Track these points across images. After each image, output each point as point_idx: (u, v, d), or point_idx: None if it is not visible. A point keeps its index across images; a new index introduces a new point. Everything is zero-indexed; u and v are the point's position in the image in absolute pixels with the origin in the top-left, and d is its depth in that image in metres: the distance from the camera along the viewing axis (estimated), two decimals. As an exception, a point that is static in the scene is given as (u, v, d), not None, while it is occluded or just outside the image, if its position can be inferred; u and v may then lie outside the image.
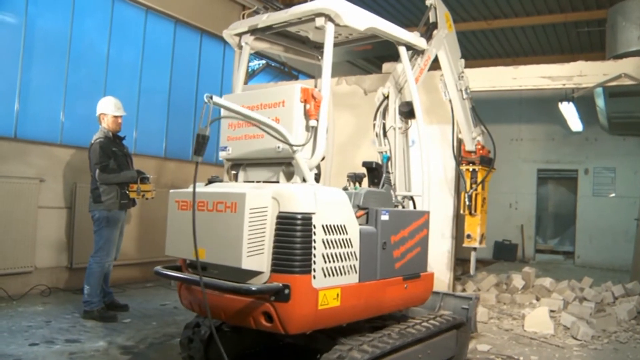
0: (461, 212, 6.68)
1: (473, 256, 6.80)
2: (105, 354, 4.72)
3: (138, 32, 8.36)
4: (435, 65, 8.47)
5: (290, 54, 4.83)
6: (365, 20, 3.88)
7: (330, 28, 3.65)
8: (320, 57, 4.85)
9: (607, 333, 6.08)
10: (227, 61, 9.96)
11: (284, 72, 11.54)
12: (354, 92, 8.67)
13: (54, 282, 7.05)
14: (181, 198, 3.66)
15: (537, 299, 7.63)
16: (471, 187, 6.49)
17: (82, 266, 6.39)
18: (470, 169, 6.55)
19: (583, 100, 11.21)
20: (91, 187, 6.01)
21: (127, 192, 5.98)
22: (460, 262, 9.14)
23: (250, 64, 10.79)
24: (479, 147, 6.55)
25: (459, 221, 8.21)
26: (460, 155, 6.64)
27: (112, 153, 6.01)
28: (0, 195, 6.44)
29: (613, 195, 13.72)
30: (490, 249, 14.19)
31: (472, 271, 7.01)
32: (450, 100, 6.30)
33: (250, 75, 10.65)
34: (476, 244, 6.57)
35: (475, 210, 6.49)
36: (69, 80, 7.36)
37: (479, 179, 6.49)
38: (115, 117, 6.13)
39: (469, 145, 6.57)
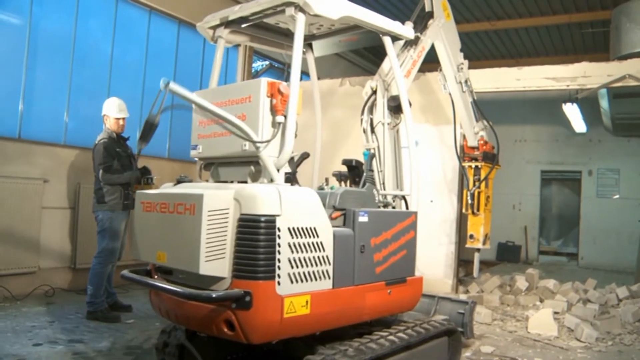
0: (464, 211, 6.23)
1: (476, 257, 6.38)
2: (109, 354, 4.53)
3: (142, 32, 8.08)
4: (435, 66, 8.12)
5: (272, 47, 4.40)
6: (338, 9, 3.43)
7: (300, 18, 3.23)
8: (306, 50, 4.44)
9: (612, 335, 5.81)
10: (230, 62, 9.63)
11: (287, 72, 11.15)
12: (357, 93, 8.32)
13: (58, 282, 6.80)
14: (146, 199, 3.28)
15: (541, 301, 7.39)
16: (474, 185, 6.03)
17: (86, 266, 6.18)
18: (473, 166, 6.09)
19: (587, 102, 10.74)
20: (95, 188, 5.81)
21: (131, 192, 5.72)
22: (463, 263, 8.78)
23: (254, 64, 10.45)
24: (482, 142, 6.09)
25: (462, 222, 7.86)
26: (462, 152, 6.19)
27: (116, 154, 5.76)
28: (4, 196, 6.21)
29: (617, 196, 13.21)
30: (494, 250, 13.82)
31: (475, 273, 6.59)
32: (450, 94, 5.87)
33: (254, 76, 10.29)
34: (479, 245, 6.12)
35: (479, 210, 6.02)
36: (73, 81, 7.13)
37: (482, 176, 6.01)
38: (117, 119, 5.89)
39: (471, 141, 6.12)
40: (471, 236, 6.10)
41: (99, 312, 5.59)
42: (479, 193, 6.01)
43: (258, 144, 2.99)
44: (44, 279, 6.58)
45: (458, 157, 6.29)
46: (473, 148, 6.10)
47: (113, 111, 5.86)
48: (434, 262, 7.58)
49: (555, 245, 14.99)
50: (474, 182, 6.05)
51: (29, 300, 6.20)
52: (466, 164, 6.13)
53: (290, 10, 3.23)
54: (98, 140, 5.76)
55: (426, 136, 7.86)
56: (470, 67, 7.40)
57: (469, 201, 5.99)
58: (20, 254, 6.33)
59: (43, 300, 6.30)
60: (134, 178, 5.75)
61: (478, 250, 6.23)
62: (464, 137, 6.24)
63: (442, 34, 5.28)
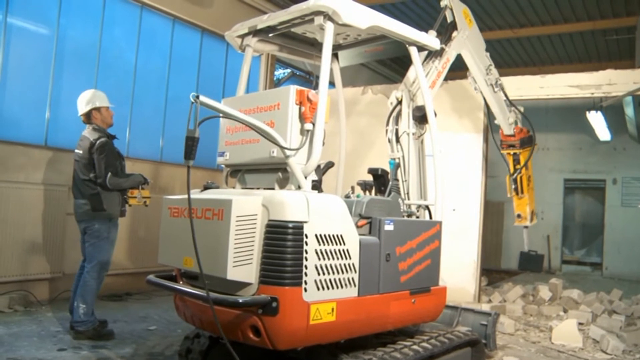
0: (508, 195, 6.65)
1: (525, 233, 6.91)
2: (133, 360, 4.56)
3: (165, 41, 8.19)
4: (464, 74, 8.13)
5: (299, 57, 4.44)
6: (367, 18, 3.45)
7: (329, 27, 3.25)
8: (332, 60, 4.47)
9: (639, 348, 5.67)
10: (252, 69, 9.66)
11: (309, 80, 11.21)
12: (379, 101, 8.36)
13: (82, 287, 6.84)
14: (173, 205, 3.32)
15: (565, 311, 7.33)
16: (515, 170, 6.43)
17: (110, 273, 5.93)
18: (512, 153, 6.44)
19: (611, 109, 10.61)
20: (89, 193, 5.07)
21: (127, 197, 5.31)
22: (485, 272, 8.70)
23: (276, 72, 10.51)
24: (518, 130, 6.39)
25: (484, 231, 7.83)
26: (500, 140, 6.53)
27: (118, 155, 5.26)
28: (31, 202, 6.30)
29: (643, 205, 12.93)
30: (516, 259, 13.55)
31: (526, 247, 7.16)
32: (481, 93, 6.05)
33: (276, 84, 10.35)
34: (527, 223, 6.61)
35: (522, 192, 6.42)
36: (98, 89, 7.19)
37: (522, 162, 6.38)
38: (109, 109, 5.34)
39: (506, 130, 6.41)
40: (518, 215, 6.59)
41: (91, 330, 5.01)
42: (520, 177, 6.38)
43: (287, 151, 3.01)
44: (69, 285, 6.55)
45: (498, 147, 6.60)
46: (510, 136, 6.38)
47: (105, 101, 5.28)
48: (456, 271, 7.54)
49: (578, 254, 14.79)
50: (514, 167, 6.42)
51: (54, 305, 6.27)
52: (505, 152, 6.47)
53: (319, 19, 3.25)
54: (95, 139, 5.04)
55: (449, 144, 7.84)
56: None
57: (512, 185, 6.42)
58: (45, 259, 6.41)
59: (67, 305, 6.29)
60: (138, 182, 5.23)
61: (526, 227, 6.72)
62: (500, 127, 6.51)
63: (468, 43, 5.29)
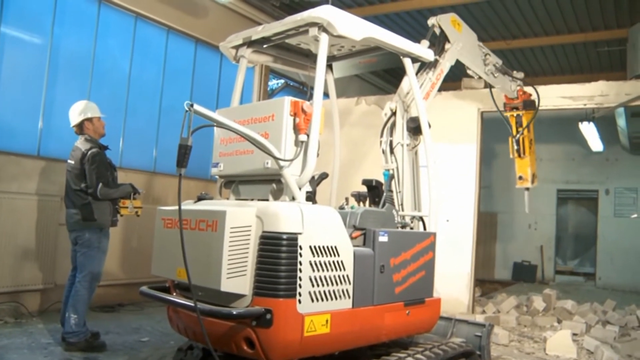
0: (510, 156, 6.82)
1: (527, 195, 7.06)
2: (124, 372, 4.50)
3: (159, 51, 8.18)
4: (457, 85, 8.16)
5: (294, 68, 4.46)
6: (361, 30, 3.47)
7: (324, 38, 3.27)
8: (326, 71, 4.49)
9: (634, 358, 5.71)
10: (246, 80, 9.67)
11: (303, 91, 11.23)
12: (373, 112, 8.39)
13: (73, 298, 6.78)
14: (167, 216, 3.31)
15: (559, 322, 7.32)
16: (517, 132, 6.60)
17: (102, 284, 5.94)
18: (515, 115, 6.65)
19: (603, 120, 10.71)
20: (77, 203, 5.09)
21: (119, 207, 5.30)
22: (479, 283, 8.71)
23: (270, 83, 10.52)
24: (521, 92, 6.59)
25: (478, 242, 7.85)
26: (503, 103, 6.71)
27: (109, 165, 5.25)
28: (23, 212, 6.25)
29: (635, 216, 13.06)
30: (509, 270, 13.81)
31: (527, 209, 7.24)
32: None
33: (270, 95, 10.37)
34: (528, 184, 6.79)
35: (524, 153, 6.60)
36: (91, 99, 7.13)
37: (524, 123, 6.56)
38: (100, 119, 5.35)
39: (510, 94, 6.60)
40: (520, 177, 6.76)
41: (83, 342, 4.97)
42: (523, 139, 6.54)
43: (281, 162, 3.02)
44: (60, 295, 6.48)
45: (500, 111, 6.77)
46: (513, 99, 6.59)
47: (97, 111, 5.30)
48: (450, 282, 7.55)
49: (571, 265, 14.81)
50: (517, 129, 6.60)
51: (45, 316, 6.21)
52: (508, 114, 6.66)
53: (313, 31, 3.27)
54: (87, 150, 5.08)
55: (443, 155, 7.89)
56: (485, 86, 7.50)
57: (515, 147, 6.59)
58: (36, 270, 6.35)
59: (59, 316, 6.20)
60: (128, 192, 5.25)
61: (527, 189, 6.90)
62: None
63: (462, 51, 5.33)
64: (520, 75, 6.66)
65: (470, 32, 5.65)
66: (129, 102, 7.68)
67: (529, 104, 6.53)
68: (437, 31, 5.14)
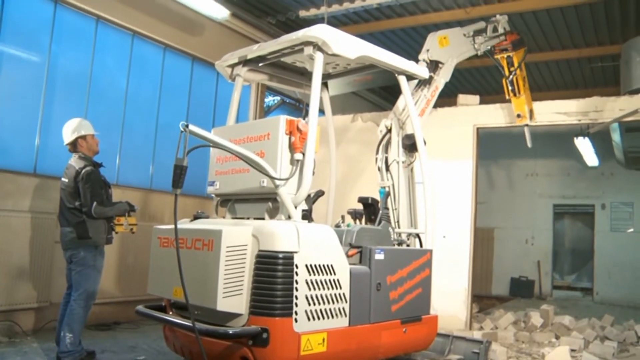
0: (506, 97, 6.93)
1: (527, 131, 7.17)
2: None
3: (156, 69, 8.22)
4: (453, 101, 8.20)
5: (289, 86, 4.49)
6: (356, 48, 3.51)
7: (319, 57, 3.30)
8: (321, 89, 4.53)
9: None
10: (242, 98, 9.72)
11: (299, 108, 11.27)
12: (369, 129, 8.43)
13: (69, 317, 6.73)
14: (163, 235, 3.32)
15: (557, 338, 7.28)
16: (510, 73, 6.71)
17: (98, 302, 5.94)
18: (505, 56, 6.73)
19: (599, 135, 10.76)
20: (72, 221, 5.08)
21: (114, 225, 5.30)
22: (476, 299, 8.68)
23: (266, 100, 10.57)
24: (508, 33, 6.72)
25: (475, 258, 7.84)
26: (492, 46, 6.75)
27: (104, 183, 5.24)
28: (18, 230, 6.21)
29: (631, 230, 13.06)
30: (507, 285, 13.77)
31: (529, 144, 7.45)
32: None
33: (266, 112, 10.40)
34: (527, 121, 6.95)
35: (519, 92, 6.71)
36: (88, 116, 7.16)
37: (516, 63, 6.66)
38: (94, 136, 5.34)
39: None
40: (518, 115, 6.91)
41: None
42: (516, 78, 6.66)
43: (277, 181, 3.03)
44: (55, 314, 6.41)
45: (489, 54, 6.75)
46: (501, 41, 6.70)
47: (90, 128, 5.29)
48: (447, 298, 7.52)
49: (569, 280, 14.83)
50: (509, 70, 6.71)
51: (40, 335, 6.15)
52: (498, 56, 6.74)
53: (309, 50, 3.31)
54: (80, 168, 5.06)
55: (439, 172, 7.91)
56: (481, 102, 7.56)
57: (509, 87, 6.71)
58: (31, 288, 6.29)
59: (54, 335, 6.12)
60: (124, 210, 5.23)
61: (527, 125, 7.04)
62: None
63: (455, 60, 5.43)
64: (505, 18, 6.78)
65: (456, 33, 5.79)
66: (125, 119, 7.69)
67: (518, 43, 6.68)
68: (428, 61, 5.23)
